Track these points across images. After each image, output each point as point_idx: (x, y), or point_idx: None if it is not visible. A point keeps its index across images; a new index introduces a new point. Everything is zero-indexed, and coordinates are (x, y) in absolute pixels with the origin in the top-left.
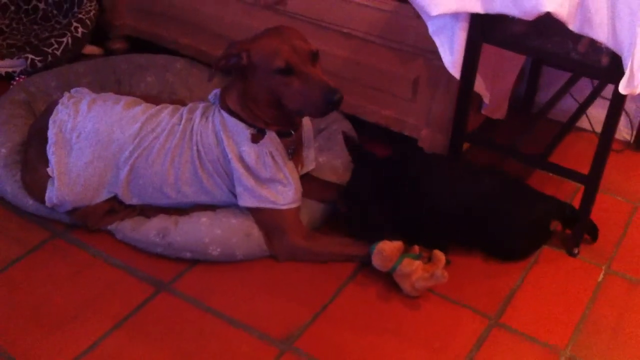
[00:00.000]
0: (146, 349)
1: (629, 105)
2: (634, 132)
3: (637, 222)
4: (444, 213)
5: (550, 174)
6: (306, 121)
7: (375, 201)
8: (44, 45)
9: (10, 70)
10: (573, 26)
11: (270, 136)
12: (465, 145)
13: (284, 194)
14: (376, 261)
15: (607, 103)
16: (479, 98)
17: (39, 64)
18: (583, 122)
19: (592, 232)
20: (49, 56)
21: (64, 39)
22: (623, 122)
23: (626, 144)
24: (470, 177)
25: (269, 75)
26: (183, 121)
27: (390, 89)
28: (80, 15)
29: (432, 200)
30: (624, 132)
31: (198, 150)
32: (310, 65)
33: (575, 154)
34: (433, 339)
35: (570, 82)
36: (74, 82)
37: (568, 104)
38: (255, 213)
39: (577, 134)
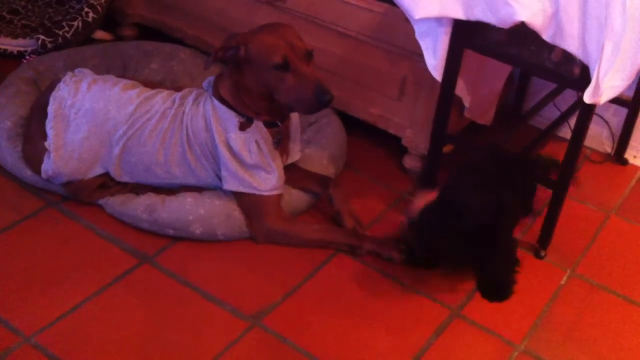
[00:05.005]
0: (124, 314)
1: (610, 118)
2: (615, 145)
3: (606, 231)
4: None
5: None
6: (294, 116)
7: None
8: (55, 27)
9: (22, 49)
10: (546, 36)
11: (258, 125)
12: (449, 147)
13: (267, 181)
14: None
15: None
16: (462, 102)
17: (50, 45)
18: (568, 133)
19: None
20: (60, 38)
21: (75, 23)
22: (605, 134)
23: (607, 156)
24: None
25: (265, 69)
26: (175, 105)
27: (379, 88)
28: (92, 1)
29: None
30: (605, 144)
31: (187, 134)
32: (305, 64)
33: None
34: (396, 325)
35: (556, 92)
36: (81, 64)
37: (555, 113)
38: (238, 197)
39: (561, 144)
